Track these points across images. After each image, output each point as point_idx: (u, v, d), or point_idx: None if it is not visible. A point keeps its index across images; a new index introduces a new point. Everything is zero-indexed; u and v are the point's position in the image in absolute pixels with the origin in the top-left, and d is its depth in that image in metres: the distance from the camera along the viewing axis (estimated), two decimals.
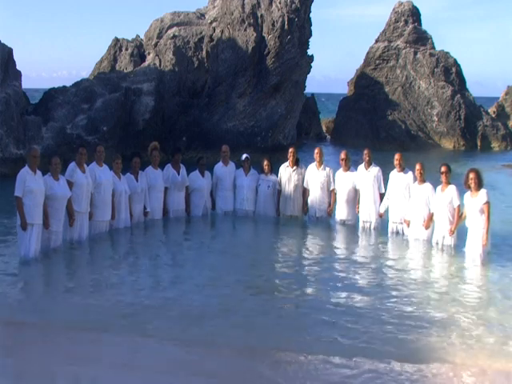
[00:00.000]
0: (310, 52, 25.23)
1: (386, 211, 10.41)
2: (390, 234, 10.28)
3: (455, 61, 31.13)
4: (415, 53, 30.99)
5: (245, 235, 10.95)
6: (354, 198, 10.76)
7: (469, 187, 8.82)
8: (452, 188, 9.26)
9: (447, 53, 31.32)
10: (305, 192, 11.14)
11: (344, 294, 7.30)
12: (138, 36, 26.97)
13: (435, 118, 30.41)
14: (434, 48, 31.43)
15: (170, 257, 9.33)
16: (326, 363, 5.53)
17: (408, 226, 9.96)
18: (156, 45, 24.74)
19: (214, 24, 24.43)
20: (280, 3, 23.61)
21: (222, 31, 23.88)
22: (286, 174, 11.20)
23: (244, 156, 11.55)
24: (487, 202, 8.65)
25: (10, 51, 19.65)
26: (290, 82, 24.24)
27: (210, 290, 7.46)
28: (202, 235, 10.59)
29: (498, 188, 16.12)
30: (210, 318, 6.51)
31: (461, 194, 9.12)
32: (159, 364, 5.53)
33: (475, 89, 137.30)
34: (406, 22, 32.16)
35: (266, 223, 11.24)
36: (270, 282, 7.96)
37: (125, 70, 25.12)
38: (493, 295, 7.57)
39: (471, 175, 8.78)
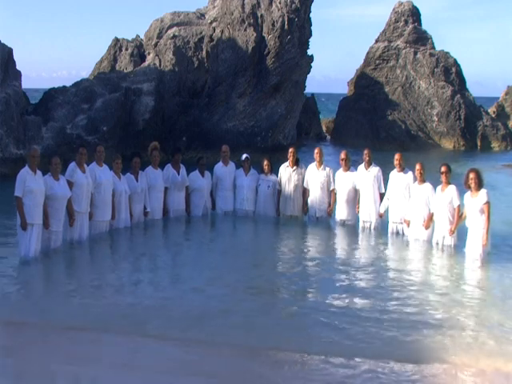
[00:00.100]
0: (309, 52, 25.29)
1: (386, 211, 10.40)
2: (390, 234, 10.27)
3: (455, 61, 31.12)
4: (415, 53, 30.98)
5: (245, 235, 10.94)
6: (354, 198, 10.76)
7: (469, 187, 8.82)
8: (452, 188, 9.26)
9: (447, 53, 31.31)
10: (305, 192, 11.14)
11: (344, 295, 7.29)
12: (138, 36, 26.99)
13: (435, 118, 30.40)
14: (434, 48, 31.42)
15: (169, 257, 9.33)
16: (325, 363, 5.53)
17: (408, 226, 9.95)
18: (156, 45, 24.74)
19: (214, 24, 24.43)
20: (280, 3, 23.61)
21: (222, 31, 23.88)
22: (286, 173, 11.20)
23: (244, 156, 11.55)
24: (487, 202, 8.65)
25: (10, 51, 19.64)
26: (290, 82, 24.24)
27: (210, 290, 7.45)
28: (202, 235, 10.60)
29: (498, 188, 16.10)
30: (209, 318, 6.51)
31: (461, 194, 9.11)
32: (159, 364, 5.53)
33: (475, 89, 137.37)
34: (406, 22, 32.15)
35: (265, 223, 11.24)
36: (269, 282, 7.97)
37: (125, 70, 25.12)
38: (493, 295, 7.58)
39: (471, 175, 8.77)
